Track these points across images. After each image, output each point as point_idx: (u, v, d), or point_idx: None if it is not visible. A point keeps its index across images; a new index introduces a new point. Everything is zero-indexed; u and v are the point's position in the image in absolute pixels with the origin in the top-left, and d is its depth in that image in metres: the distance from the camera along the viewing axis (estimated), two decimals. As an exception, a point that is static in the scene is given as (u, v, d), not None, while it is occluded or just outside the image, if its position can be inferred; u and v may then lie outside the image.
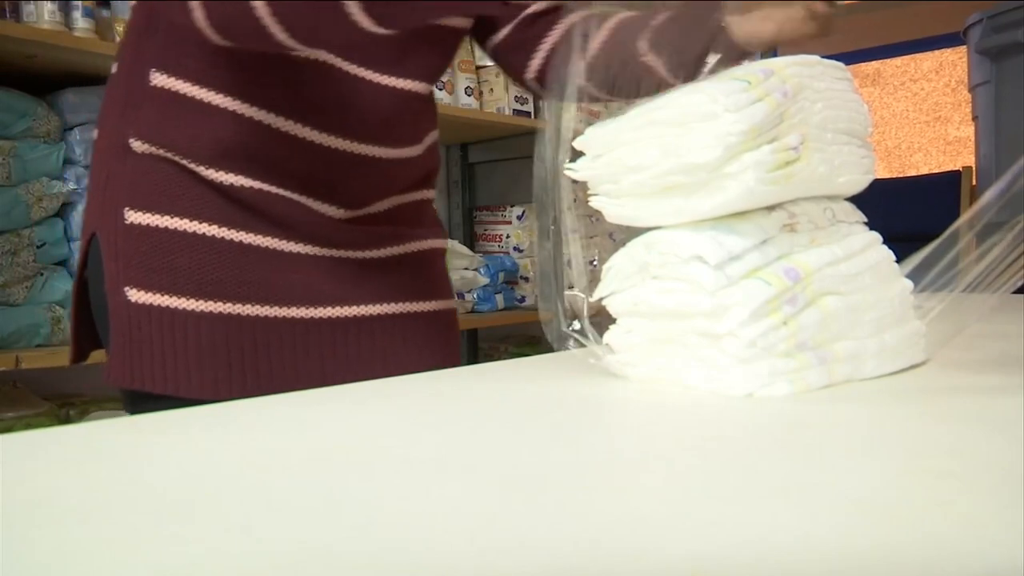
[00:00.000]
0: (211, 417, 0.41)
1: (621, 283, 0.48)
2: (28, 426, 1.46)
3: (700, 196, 0.44)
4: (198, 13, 0.60)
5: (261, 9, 0.57)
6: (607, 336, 0.49)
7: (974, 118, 2.77)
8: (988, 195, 0.52)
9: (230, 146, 0.69)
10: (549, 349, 0.64)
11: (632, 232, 0.49)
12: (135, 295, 0.69)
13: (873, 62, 4.09)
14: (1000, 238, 0.50)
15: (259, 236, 0.71)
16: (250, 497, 0.27)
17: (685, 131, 0.43)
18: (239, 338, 0.69)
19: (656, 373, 0.47)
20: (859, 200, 0.52)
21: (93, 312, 0.77)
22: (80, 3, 1.59)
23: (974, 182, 2.97)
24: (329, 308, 0.73)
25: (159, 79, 0.70)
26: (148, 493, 0.28)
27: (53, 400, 1.59)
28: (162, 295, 0.69)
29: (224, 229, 0.70)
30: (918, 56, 3.99)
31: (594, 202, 0.49)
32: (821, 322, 0.44)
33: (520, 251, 2.46)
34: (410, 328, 0.79)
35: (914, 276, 0.52)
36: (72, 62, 1.60)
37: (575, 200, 0.54)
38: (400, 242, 0.79)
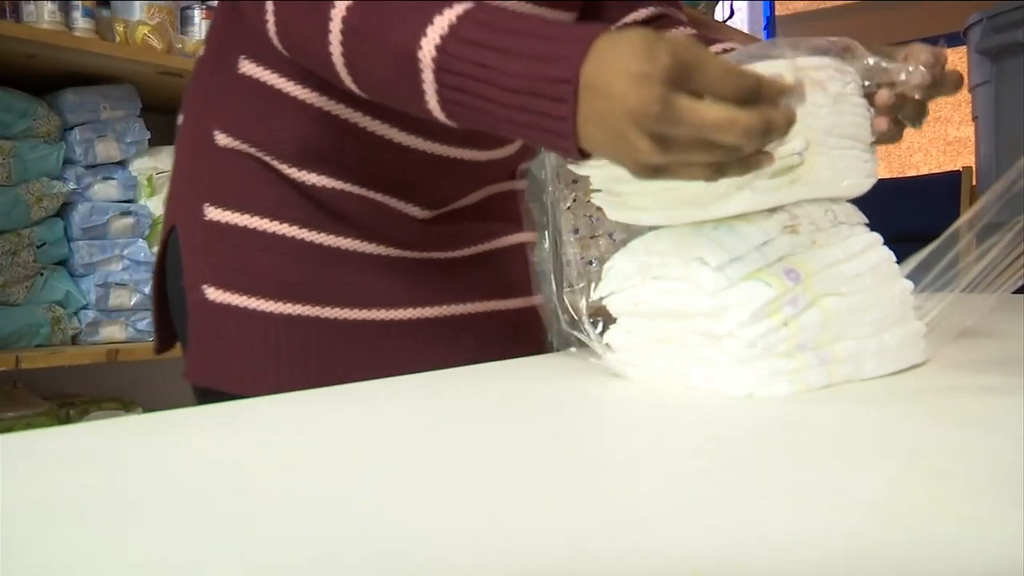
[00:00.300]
0: (211, 417, 0.41)
1: (621, 283, 0.48)
2: (28, 426, 1.46)
3: (703, 199, 0.44)
4: (271, 27, 0.58)
5: (335, 53, 0.55)
6: (607, 336, 0.49)
7: (974, 118, 2.77)
8: (988, 196, 0.52)
9: (314, 144, 0.68)
10: (549, 349, 0.64)
11: (632, 233, 0.49)
12: (213, 294, 0.68)
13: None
14: (1000, 238, 0.50)
15: (340, 238, 0.69)
16: (250, 497, 0.27)
17: None
18: (318, 341, 0.68)
19: (656, 373, 0.47)
20: (860, 200, 0.52)
21: (171, 304, 0.75)
22: (80, 3, 1.59)
23: (974, 182, 2.97)
24: (410, 310, 0.72)
25: (247, 67, 0.68)
26: (148, 493, 0.28)
27: (53, 400, 1.59)
28: (241, 295, 0.68)
29: (305, 231, 0.69)
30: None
31: (596, 199, 0.49)
32: (821, 323, 0.44)
33: (520, 251, 2.45)
34: (494, 327, 0.77)
35: (914, 276, 0.52)
36: (72, 62, 1.60)
37: (575, 200, 0.54)
38: (483, 240, 0.77)
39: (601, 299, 0.48)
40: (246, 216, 0.68)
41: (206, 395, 0.71)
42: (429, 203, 0.72)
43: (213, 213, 0.69)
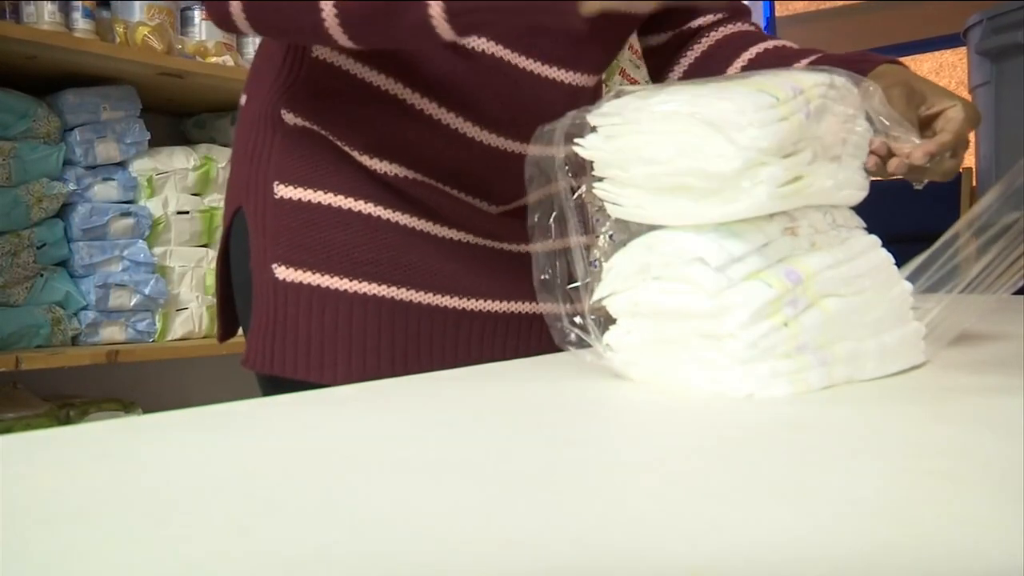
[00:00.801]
0: (211, 417, 0.41)
1: (622, 284, 0.48)
2: (28, 426, 1.46)
3: (709, 202, 0.44)
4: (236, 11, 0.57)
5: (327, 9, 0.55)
6: (607, 336, 0.49)
7: (974, 119, 2.76)
8: (988, 196, 0.52)
9: (386, 132, 0.66)
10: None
11: (632, 233, 0.49)
12: (283, 272, 0.66)
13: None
14: (1000, 238, 0.50)
15: (415, 219, 0.67)
16: (250, 497, 0.27)
17: (706, 135, 0.43)
18: (391, 324, 0.66)
19: (657, 373, 0.47)
20: (861, 200, 0.52)
21: (235, 290, 0.73)
22: (80, 4, 1.59)
23: (974, 182, 2.97)
24: (484, 301, 0.70)
25: (323, 52, 0.67)
26: (148, 493, 0.28)
27: (53, 401, 1.59)
28: (313, 273, 0.65)
29: (380, 208, 0.66)
30: (918, 56, 3.99)
31: (598, 190, 0.48)
32: (822, 324, 0.44)
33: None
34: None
35: (914, 277, 0.52)
36: (72, 63, 1.60)
37: (578, 199, 0.53)
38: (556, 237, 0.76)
39: (601, 300, 0.48)
40: (319, 192, 0.66)
41: (271, 383, 0.68)
42: (499, 199, 0.71)
43: (283, 191, 0.67)
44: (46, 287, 1.58)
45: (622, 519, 0.24)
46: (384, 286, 0.66)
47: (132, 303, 1.67)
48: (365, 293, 0.65)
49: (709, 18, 0.81)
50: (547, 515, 0.25)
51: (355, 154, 0.66)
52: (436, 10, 0.52)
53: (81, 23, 1.60)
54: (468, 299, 0.69)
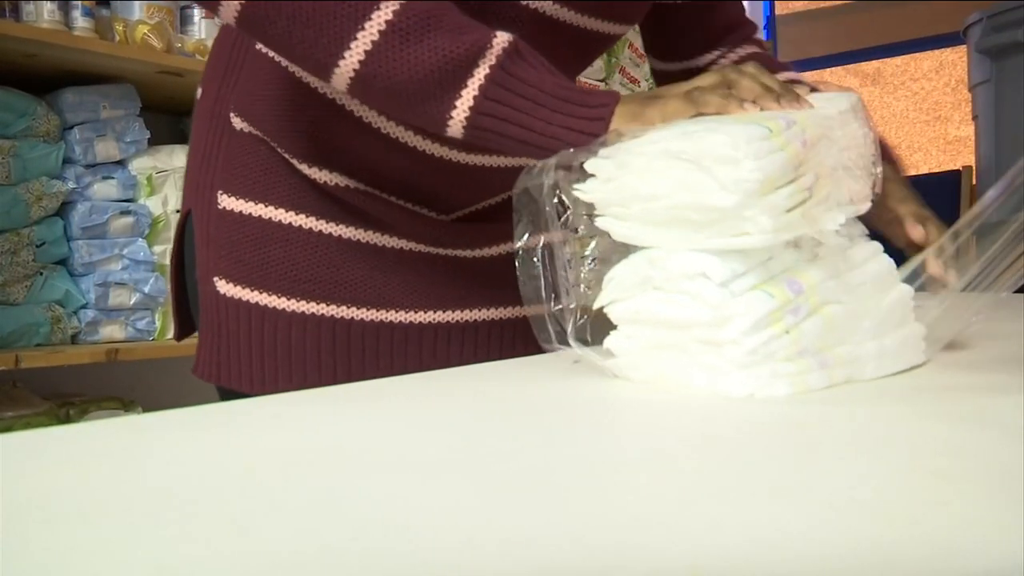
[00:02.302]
0: (212, 417, 0.41)
1: (622, 293, 0.47)
2: (28, 426, 1.46)
3: (711, 232, 0.43)
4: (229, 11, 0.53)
5: (350, 60, 0.52)
6: (607, 341, 0.49)
7: (974, 118, 2.77)
8: (988, 195, 0.52)
9: (328, 142, 0.64)
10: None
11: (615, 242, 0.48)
12: (224, 287, 0.64)
13: (873, 62, 4.09)
14: (1000, 237, 0.50)
15: (358, 230, 0.65)
16: (250, 497, 0.27)
17: (701, 170, 0.43)
18: (332, 342, 0.64)
19: (657, 376, 0.47)
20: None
21: (188, 291, 0.71)
22: (80, 3, 1.59)
23: (974, 182, 2.97)
24: (431, 312, 0.68)
25: (265, 49, 0.64)
26: (148, 493, 0.28)
27: (53, 399, 1.59)
28: (252, 290, 0.64)
29: (322, 222, 0.64)
30: (918, 56, 3.99)
31: (600, 223, 0.48)
32: (822, 329, 0.44)
33: (520, 251, 2.45)
34: (515, 334, 0.73)
35: (913, 277, 0.52)
36: (72, 61, 1.60)
37: (575, 201, 0.53)
38: (505, 240, 0.73)
39: (601, 308, 0.48)
40: (260, 206, 0.64)
41: (223, 394, 0.67)
42: (444, 208, 0.69)
43: (226, 201, 0.65)
44: (46, 286, 1.58)
45: (621, 518, 0.24)
46: (324, 304, 0.64)
47: (132, 301, 1.67)
48: (304, 312, 0.64)
49: (716, 53, 0.80)
50: (545, 515, 0.25)
51: (296, 162, 0.64)
52: (460, 113, 0.52)
53: (81, 22, 1.60)
54: (415, 311, 0.67)
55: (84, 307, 1.62)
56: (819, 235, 0.47)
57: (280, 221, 0.64)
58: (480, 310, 0.71)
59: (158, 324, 1.70)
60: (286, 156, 0.64)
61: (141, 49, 1.64)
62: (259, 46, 0.64)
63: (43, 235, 1.57)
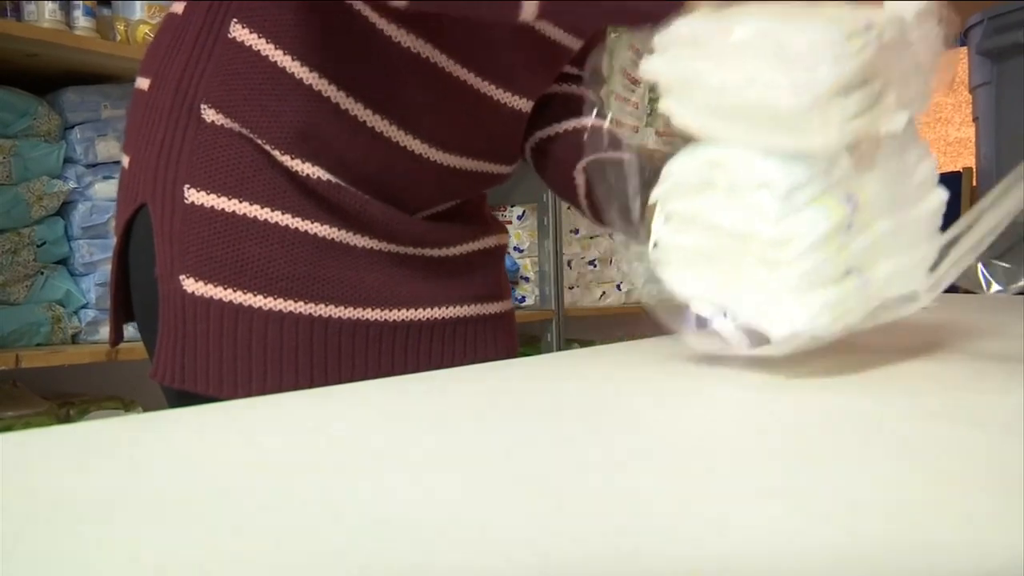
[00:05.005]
0: (212, 417, 0.41)
1: (679, 189, 0.46)
2: (28, 425, 1.46)
3: (777, 133, 0.43)
4: None
5: None
6: (655, 229, 0.47)
7: (974, 119, 2.77)
8: (988, 197, 0.51)
9: (308, 130, 0.62)
10: (548, 349, 0.64)
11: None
12: (192, 286, 0.62)
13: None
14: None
15: (334, 229, 0.64)
16: (251, 497, 0.27)
17: (774, 68, 0.42)
18: (308, 340, 0.63)
19: (701, 288, 0.46)
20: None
21: (133, 292, 0.69)
22: (81, 2, 1.59)
23: (975, 183, 2.97)
24: (404, 310, 0.68)
25: (240, 33, 0.62)
26: (148, 492, 0.28)
27: (53, 400, 1.59)
28: (224, 288, 0.62)
29: (298, 220, 0.63)
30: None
31: (661, 105, 0.46)
32: (870, 245, 0.44)
33: (520, 251, 2.46)
34: (483, 331, 0.74)
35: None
36: (73, 61, 1.60)
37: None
38: (471, 238, 0.74)
39: (655, 201, 0.47)
40: (234, 201, 0.62)
41: (179, 397, 0.65)
42: (418, 206, 0.69)
43: (195, 196, 0.62)
44: (46, 285, 1.58)
45: (621, 518, 0.24)
46: (300, 302, 0.63)
47: (132, 301, 1.67)
48: (280, 310, 0.62)
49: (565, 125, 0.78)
50: (544, 515, 0.25)
51: (278, 153, 0.62)
52: None
53: (82, 21, 1.60)
54: (388, 309, 0.66)
55: (85, 307, 1.63)
56: (880, 140, 0.45)
57: (255, 217, 0.62)
58: (451, 307, 0.71)
59: (158, 324, 1.70)
60: (267, 147, 0.62)
61: (142, 49, 1.64)
62: (234, 34, 0.62)
63: (44, 235, 1.57)
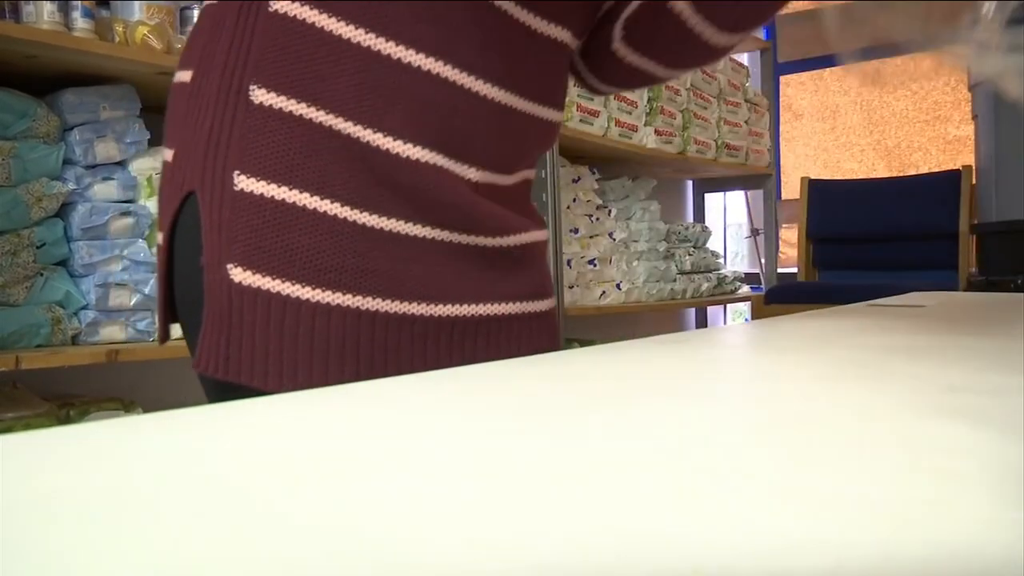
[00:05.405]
0: (212, 417, 0.41)
1: None
2: (28, 426, 1.46)
3: None
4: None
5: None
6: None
7: (974, 117, 2.77)
8: None
9: (369, 90, 0.62)
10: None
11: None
12: (240, 275, 0.61)
13: (873, 61, 4.08)
14: None
15: (384, 218, 0.63)
16: (251, 498, 0.27)
17: None
18: (356, 334, 0.62)
19: None
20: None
21: (176, 285, 0.68)
22: (80, 3, 1.59)
23: (974, 181, 2.97)
24: (450, 306, 0.66)
25: (281, 4, 0.62)
26: (148, 493, 0.28)
27: (53, 400, 1.59)
28: (273, 279, 0.61)
29: (347, 209, 0.62)
30: (918, 56, 3.98)
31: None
32: None
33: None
34: (527, 330, 0.73)
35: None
36: (72, 62, 1.60)
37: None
38: (522, 229, 0.72)
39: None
40: (283, 188, 0.61)
41: (221, 389, 0.65)
42: (487, 163, 0.68)
43: (244, 183, 0.62)
44: (46, 286, 1.58)
45: (621, 518, 0.24)
46: (348, 295, 0.62)
47: (132, 302, 1.67)
48: (328, 302, 0.62)
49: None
50: (543, 515, 0.25)
51: (336, 121, 0.62)
52: None
53: (80, 23, 1.60)
54: (435, 304, 0.66)
55: (84, 308, 1.63)
56: None
57: (304, 206, 0.61)
58: (498, 304, 0.70)
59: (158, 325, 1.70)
60: (326, 119, 0.62)
61: (141, 50, 1.64)
62: (275, 7, 0.62)
63: (43, 236, 1.57)
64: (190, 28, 1.82)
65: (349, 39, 0.61)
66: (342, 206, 0.62)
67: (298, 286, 0.61)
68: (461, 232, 0.67)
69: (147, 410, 1.59)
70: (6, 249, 1.48)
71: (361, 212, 0.63)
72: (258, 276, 0.61)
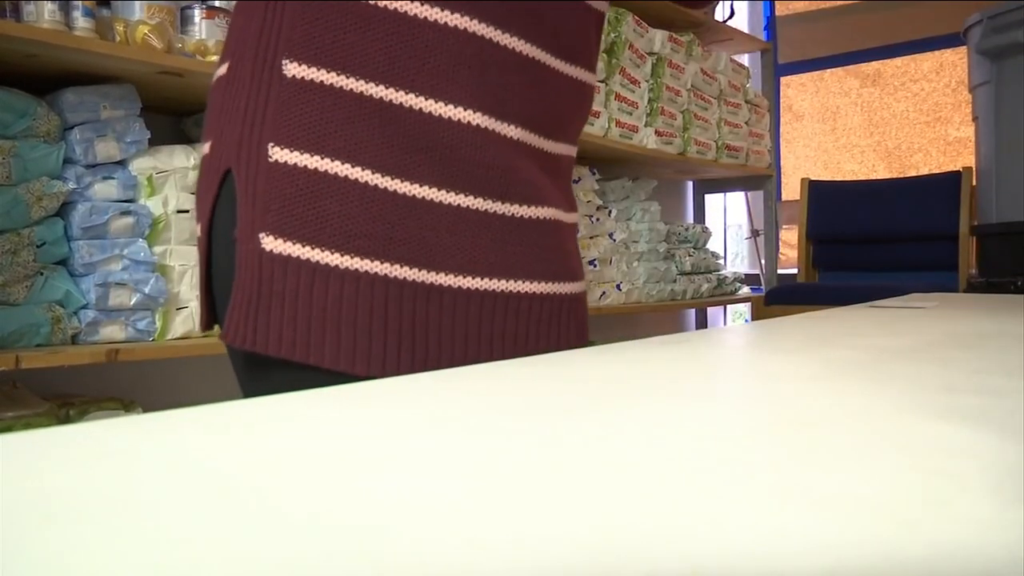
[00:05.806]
0: (211, 417, 0.41)
1: None
2: (28, 426, 1.46)
3: None
4: None
5: None
6: None
7: (974, 118, 2.77)
8: None
9: (399, 56, 0.62)
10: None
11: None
12: (271, 243, 0.62)
13: (873, 62, 4.09)
14: None
15: (415, 185, 0.63)
16: (252, 498, 0.27)
17: None
18: (384, 303, 0.62)
19: None
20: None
21: (214, 267, 0.69)
22: (80, 3, 1.59)
23: (974, 182, 2.97)
24: (479, 279, 0.66)
25: None
26: (148, 493, 0.28)
27: (53, 400, 1.59)
28: (304, 246, 0.62)
29: (378, 176, 0.62)
30: (918, 56, 3.98)
31: None
32: None
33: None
34: (557, 312, 0.72)
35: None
36: (72, 62, 1.60)
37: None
38: (555, 203, 0.72)
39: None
40: (316, 158, 0.62)
41: (249, 362, 0.65)
42: (526, 121, 0.68)
43: (279, 154, 0.63)
44: (46, 286, 1.59)
45: (620, 518, 0.24)
46: (376, 262, 0.62)
47: (132, 302, 1.68)
48: (356, 269, 0.62)
49: None
50: (543, 515, 0.25)
51: (367, 86, 0.62)
52: None
53: (81, 22, 1.60)
54: (465, 276, 0.65)
55: (84, 307, 1.63)
56: None
57: (336, 174, 0.62)
58: (528, 283, 0.69)
59: (158, 324, 1.70)
60: (357, 86, 0.62)
61: (141, 49, 1.64)
62: None
63: (43, 235, 1.57)
64: (190, 28, 1.82)
65: (375, 4, 0.62)
66: (373, 173, 0.62)
67: (327, 252, 0.61)
68: (495, 199, 0.67)
69: (147, 410, 1.59)
70: (6, 248, 1.49)
71: (392, 179, 0.63)
72: (289, 244, 0.62)
